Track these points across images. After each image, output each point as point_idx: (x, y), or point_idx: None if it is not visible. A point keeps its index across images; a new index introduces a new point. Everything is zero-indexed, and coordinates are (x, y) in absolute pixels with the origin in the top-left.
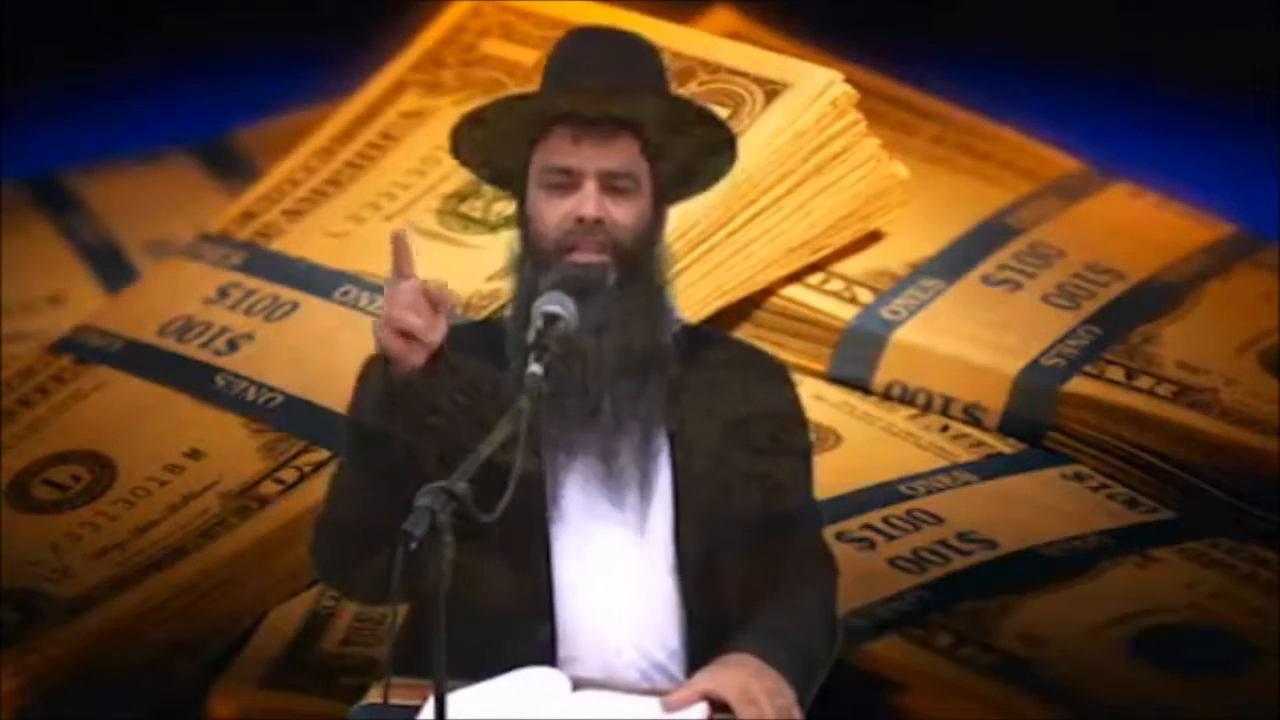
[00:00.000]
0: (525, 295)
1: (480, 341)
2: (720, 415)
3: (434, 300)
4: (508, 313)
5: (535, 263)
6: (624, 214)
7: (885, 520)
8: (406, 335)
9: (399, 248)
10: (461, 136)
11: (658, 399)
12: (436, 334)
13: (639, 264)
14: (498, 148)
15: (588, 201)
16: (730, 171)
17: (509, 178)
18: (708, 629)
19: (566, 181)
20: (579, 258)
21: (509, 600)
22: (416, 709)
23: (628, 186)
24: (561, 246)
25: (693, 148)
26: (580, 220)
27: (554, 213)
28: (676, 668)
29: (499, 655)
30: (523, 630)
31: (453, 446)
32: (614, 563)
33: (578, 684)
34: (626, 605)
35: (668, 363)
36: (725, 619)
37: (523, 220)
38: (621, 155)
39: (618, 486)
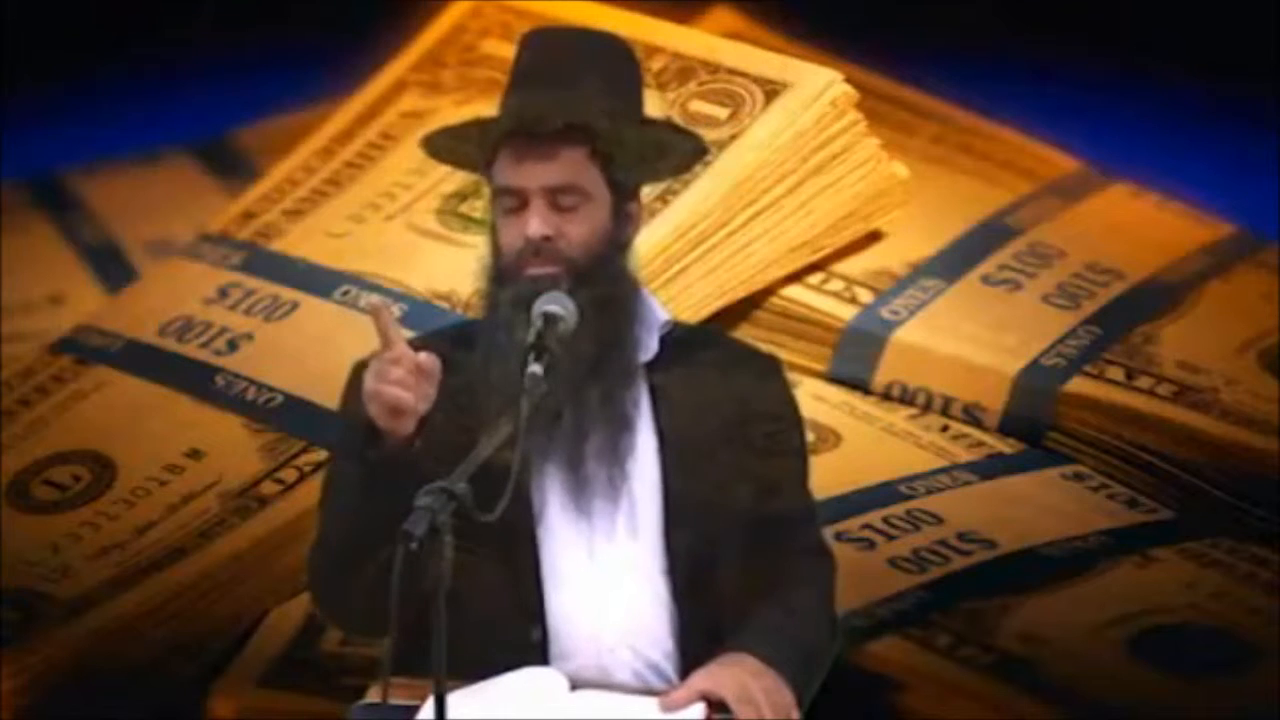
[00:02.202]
0: (489, 307)
1: (474, 340)
2: (712, 415)
3: (423, 371)
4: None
5: (498, 277)
6: (573, 227)
7: (885, 520)
8: (396, 410)
9: (380, 318)
10: (431, 155)
11: (626, 406)
12: (425, 404)
13: (593, 273)
14: (464, 162)
15: (533, 221)
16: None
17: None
18: (702, 629)
19: (515, 204)
20: (531, 271)
21: (499, 601)
22: (415, 709)
23: (574, 201)
24: (518, 265)
25: (648, 134)
26: (528, 240)
27: (508, 234)
28: (671, 668)
29: (492, 656)
30: (514, 631)
31: (454, 445)
32: (600, 563)
33: (575, 684)
34: (617, 605)
35: (633, 368)
36: (720, 619)
37: (491, 233)
38: (564, 168)
39: (584, 493)
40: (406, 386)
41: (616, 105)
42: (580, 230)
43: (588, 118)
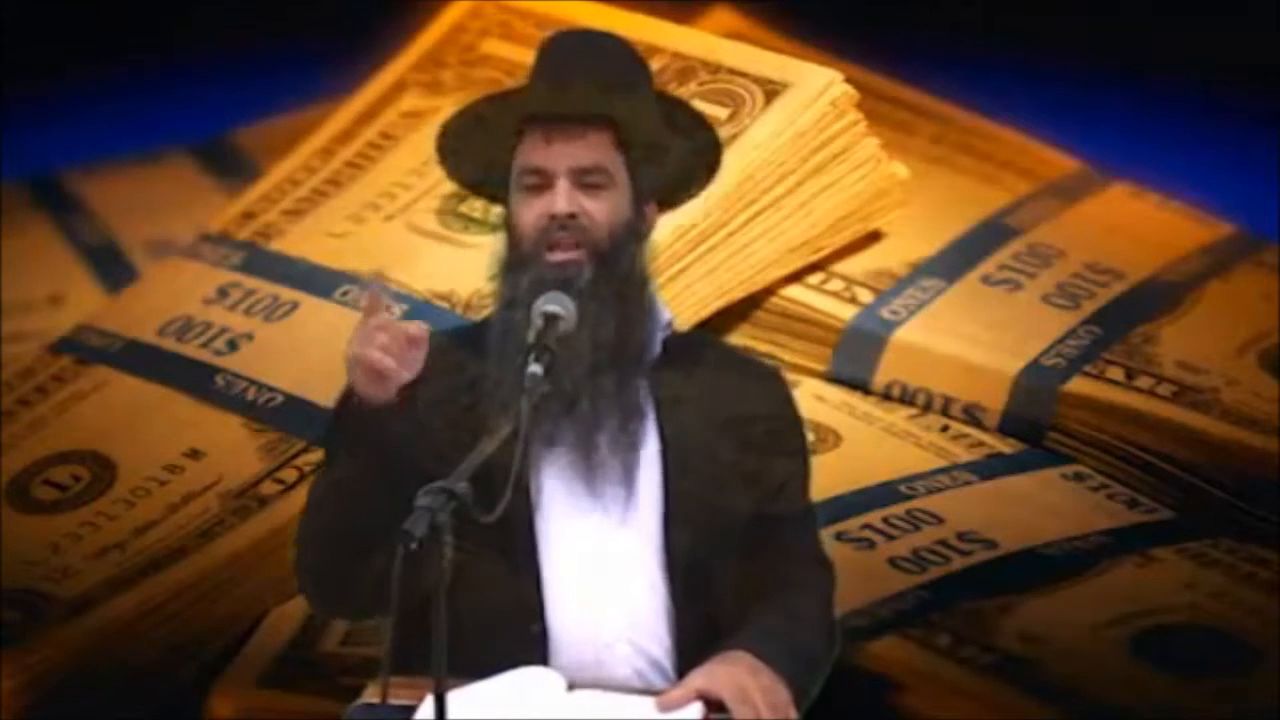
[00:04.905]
0: (505, 296)
1: (479, 341)
2: (715, 415)
3: (411, 339)
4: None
5: (516, 264)
6: (598, 208)
7: (885, 520)
8: (377, 373)
9: (373, 300)
10: (445, 143)
11: (638, 394)
12: (409, 373)
13: (615, 260)
14: (484, 155)
15: (559, 198)
16: (719, 171)
17: (494, 182)
18: (700, 628)
19: (540, 181)
20: (554, 257)
21: (499, 595)
22: (412, 708)
23: (600, 181)
24: (539, 246)
25: (678, 147)
26: (553, 217)
27: (530, 213)
28: (671, 665)
29: (492, 651)
30: (514, 625)
31: (455, 445)
32: (600, 557)
33: (574, 683)
34: (616, 600)
35: (645, 359)
36: (717, 619)
37: (507, 224)
38: (593, 150)
39: (597, 479)
40: (390, 352)
41: (641, 103)
42: (604, 211)
43: (616, 108)
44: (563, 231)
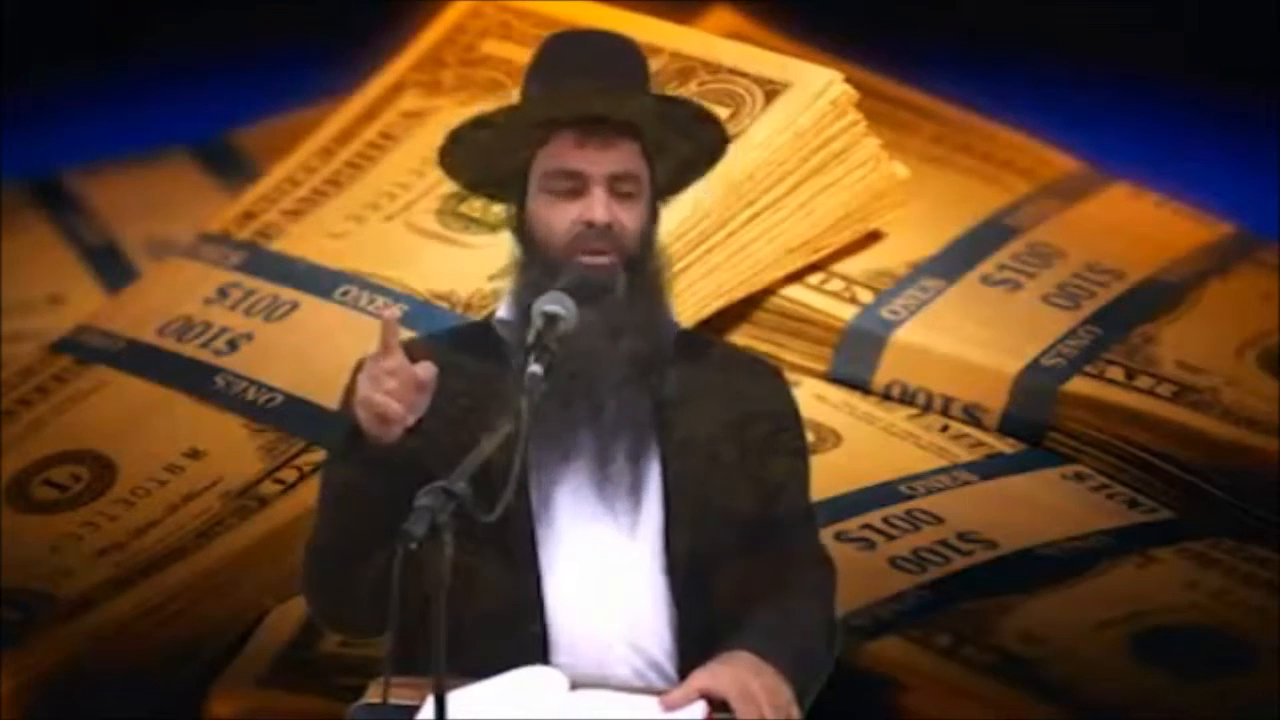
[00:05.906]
0: (530, 298)
1: (479, 342)
2: (716, 416)
3: (419, 383)
4: (499, 313)
5: (542, 267)
6: (629, 217)
7: (885, 520)
8: (383, 417)
9: (387, 329)
10: (460, 143)
11: (649, 403)
12: (414, 415)
13: (642, 265)
14: (497, 153)
15: (596, 206)
16: (721, 161)
17: (502, 184)
18: (701, 629)
19: (572, 186)
20: (589, 260)
21: (499, 596)
22: (414, 708)
23: (631, 190)
24: (569, 251)
25: (689, 145)
26: (590, 225)
27: (561, 217)
28: (672, 667)
29: (491, 652)
30: (514, 626)
31: (456, 446)
32: (603, 561)
33: (575, 683)
34: (618, 602)
35: (665, 368)
36: (718, 620)
37: (521, 225)
38: (625, 158)
39: (610, 489)
40: (398, 398)
41: (661, 105)
42: (633, 219)
43: (645, 115)
44: (596, 240)
